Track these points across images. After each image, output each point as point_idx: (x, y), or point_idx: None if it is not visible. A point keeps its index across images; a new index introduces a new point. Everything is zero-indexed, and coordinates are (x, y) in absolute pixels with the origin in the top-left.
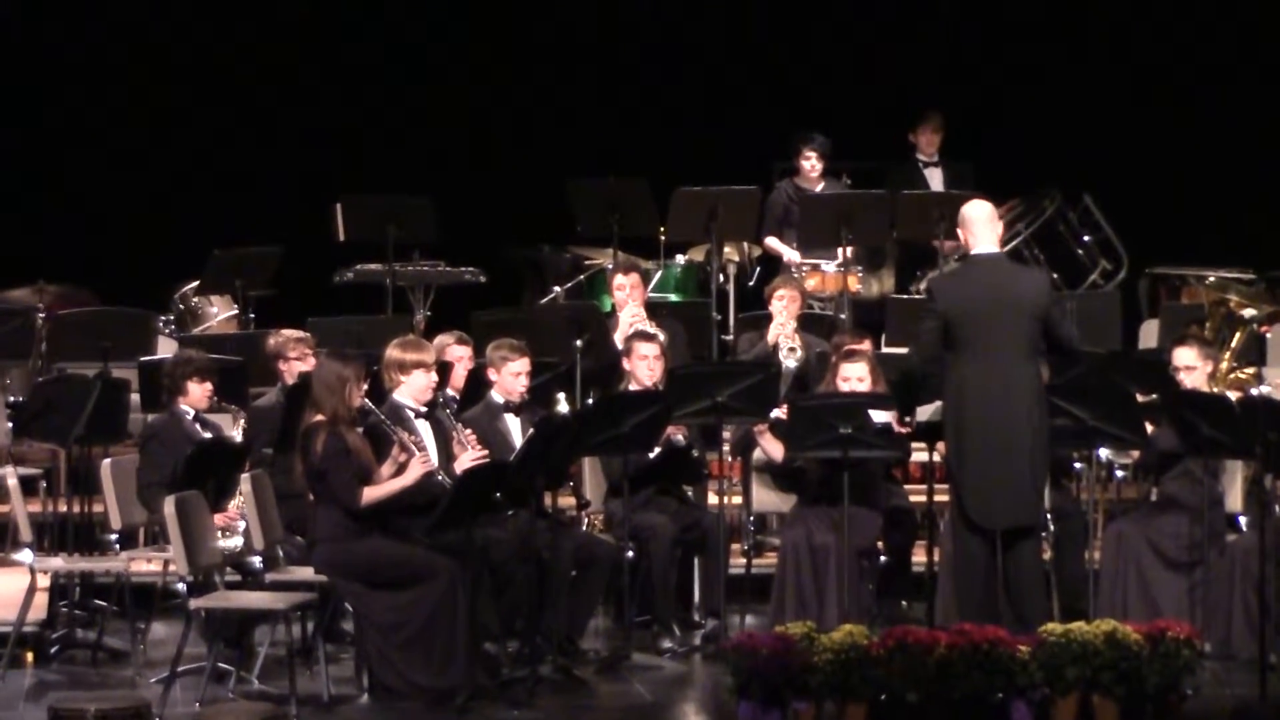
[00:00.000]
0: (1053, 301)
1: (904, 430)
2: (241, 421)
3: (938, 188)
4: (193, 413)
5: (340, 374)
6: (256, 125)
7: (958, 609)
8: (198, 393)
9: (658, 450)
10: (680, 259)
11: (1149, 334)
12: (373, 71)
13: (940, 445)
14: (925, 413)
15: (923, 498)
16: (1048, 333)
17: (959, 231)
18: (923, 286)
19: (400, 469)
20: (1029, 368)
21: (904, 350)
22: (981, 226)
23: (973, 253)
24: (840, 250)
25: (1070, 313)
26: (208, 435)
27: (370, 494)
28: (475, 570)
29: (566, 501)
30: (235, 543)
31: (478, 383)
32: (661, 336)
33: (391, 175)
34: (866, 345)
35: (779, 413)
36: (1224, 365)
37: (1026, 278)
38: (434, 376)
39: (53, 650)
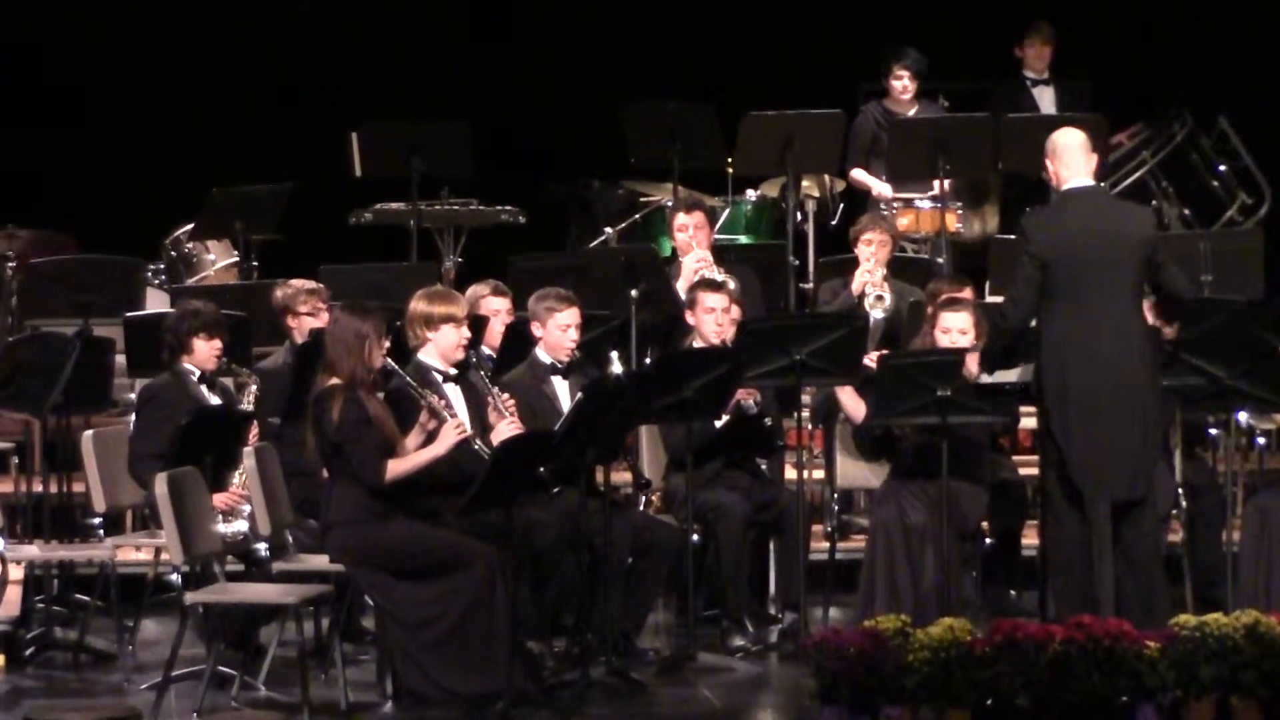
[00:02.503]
0: (1160, 240)
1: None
2: (253, 388)
3: (1049, 110)
4: (198, 374)
5: (358, 330)
6: (260, 43)
7: (1059, 599)
8: (205, 351)
9: (725, 418)
10: (751, 195)
11: None
12: None
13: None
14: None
15: (1034, 470)
16: (1154, 277)
17: (1047, 163)
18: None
19: (429, 439)
20: (1138, 316)
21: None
22: (1075, 155)
23: (1066, 186)
24: (937, 183)
25: (1203, 254)
26: (215, 400)
27: (395, 469)
28: (516, 558)
29: (621, 478)
30: (238, 527)
31: (519, 340)
32: (731, 285)
33: (416, 100)
34: (968, 293)
35: (870, 360)
36: None
37: (1130, 213)
38: (466, 332)
39: (28, 652)
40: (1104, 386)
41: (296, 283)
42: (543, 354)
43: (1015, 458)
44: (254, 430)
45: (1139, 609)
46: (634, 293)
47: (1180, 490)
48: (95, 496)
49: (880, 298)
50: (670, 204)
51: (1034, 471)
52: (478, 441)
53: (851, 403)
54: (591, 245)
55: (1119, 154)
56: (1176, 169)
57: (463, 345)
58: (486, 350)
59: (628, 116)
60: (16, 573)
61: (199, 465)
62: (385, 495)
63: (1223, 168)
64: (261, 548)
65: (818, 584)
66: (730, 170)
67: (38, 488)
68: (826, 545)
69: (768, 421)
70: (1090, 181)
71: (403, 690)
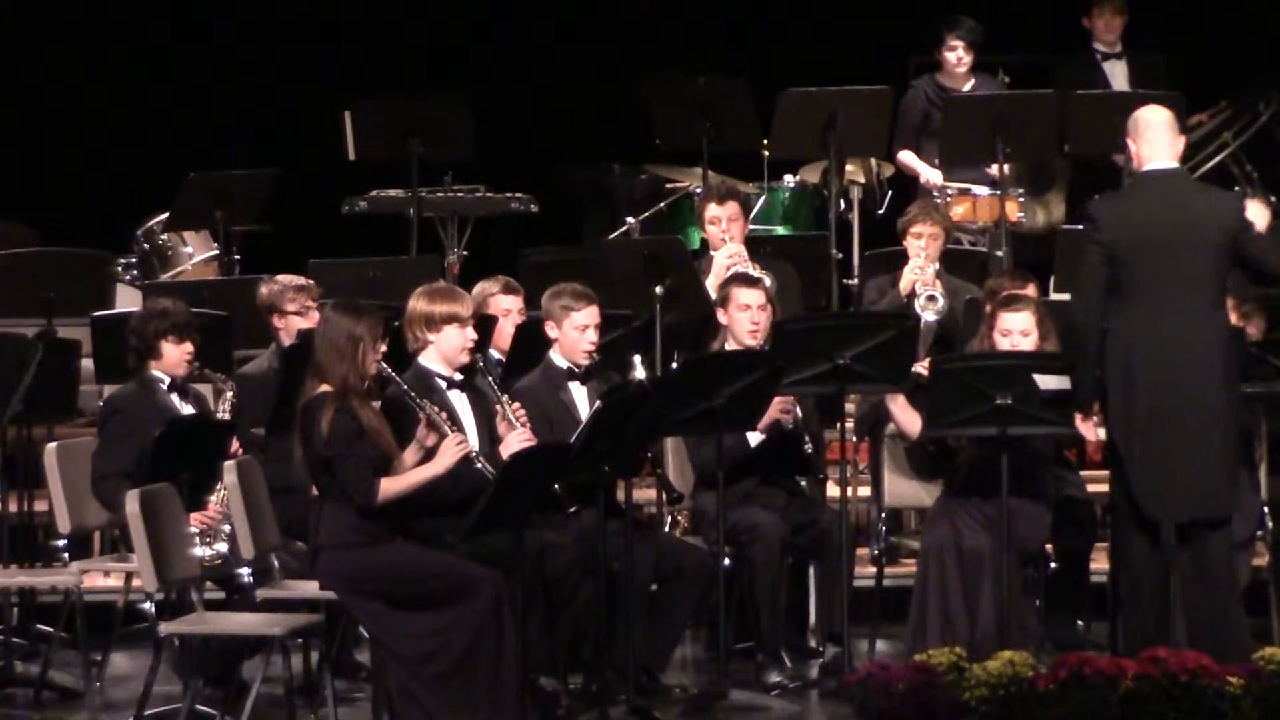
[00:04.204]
0: (1243, 225)
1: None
2: (229, 395)
3: (1121, 86)
4: (168, 381)
5: (351, 332)
6: (242, 12)
7: (1128, 630)
8: (174, 356)
9: (761, 437)
10: (790, 180)
11: None
12: None
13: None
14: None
15: (1104, 486)
16: (1243, 261)
17: (1128, 142)
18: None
19: (429, 454)
20: (1216, 316)
21: (1066, 298)
22: (1158, 134)
23: (1145, 168)
24: (995, 167)
25: None
26: (188, 410)
27: (388, 488)
28: (527, 585)
29: (645, 495)
30: (218, 550)
31: (531, 342)
32: (767, 281)
33: (417, 75)
34: (1031, 290)
35: (921, 369)
36: None
37: (1211, 199)
38: (472, 334)
39: None
40: (1175, 394)
41: (283, 279)
42: (558, 358)
43: (1083, 473)
44: (234, 442)
45: (1212, 642)
46: (659, 289)
47: (1266, 509)
48: (60, 516)
49: (932, 298)
50: (699, 191)
51: (1103, 488)
52: (481, 460)
53: (905, 417)
54: (611, 237)
55: (1198, 135)
56: (1261, 152)
57: (468, 348)
58: (495, 354)
59: (652, 93)
60: None
61: (174, 482)
62: (381, 515)
63: None
64: (244, 573)
65: (863, 613)
66: (766, 153)
67: None
68: (873, 570)
69: (808, 448)
70: (1172, 164)
71: None
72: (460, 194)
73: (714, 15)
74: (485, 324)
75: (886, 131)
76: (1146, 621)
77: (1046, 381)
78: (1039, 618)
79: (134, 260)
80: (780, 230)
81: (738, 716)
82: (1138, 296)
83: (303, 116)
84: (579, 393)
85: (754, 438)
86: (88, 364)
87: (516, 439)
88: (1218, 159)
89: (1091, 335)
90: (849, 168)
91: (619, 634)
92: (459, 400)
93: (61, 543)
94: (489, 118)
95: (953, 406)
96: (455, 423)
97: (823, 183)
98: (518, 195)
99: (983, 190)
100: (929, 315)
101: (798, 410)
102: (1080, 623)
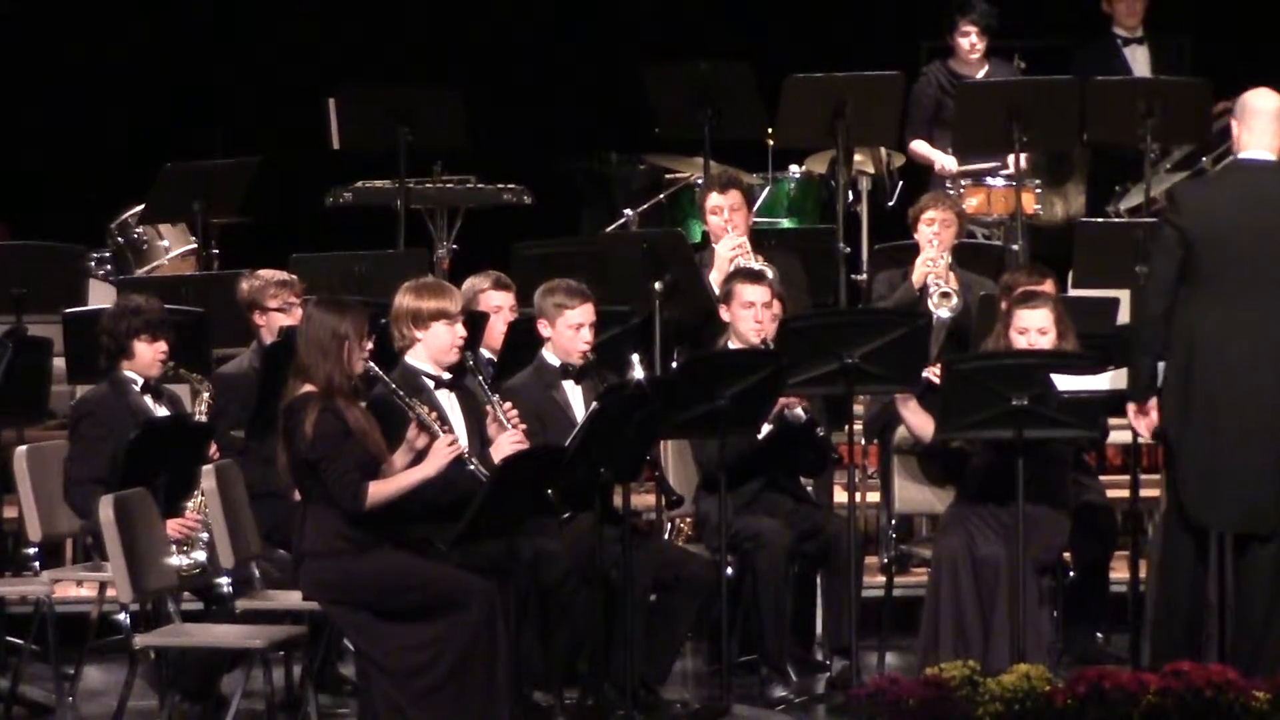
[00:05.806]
0: None
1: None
2: (207, 395)
3: (1142, 72)
4: (141, 381)
5: (335, 329)
6: None
7: (1159, 639)
8: (148, 355)
9: (767, 428)
10: (795, 171)
11: None
12: None
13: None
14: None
15: (1125, 492)
16: None
17: (1232, 123)
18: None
19: (418, 457)
20: None
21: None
22: (1262, 122)
23: (1240, 156)
24: (1011, 157)
25: None
26: (162, 411)
27: (377, 492)
28: (520, 595)
29: (644, 501)
30: (196, 558)
31: (523, 340)
32: (771, 275)
33: (405, 61)
34: (1049, 286)
35: (931, 374)
36: None
37: None
38: (461, 331)
39: None
40: (1236, 397)
41: (264, 273)
42: (551, 356)
43: (1103, 478)
44: (213, 446)
45: (1245, 653)
46: (658, 285)
47: None
48: (30, 523)
49: (946, 295)
50: (701, 181)
51: (1124, 493)
52: (474, 461)
53: (916, 420)
54: (609, 230)
55: (1223, 124)
56: None
57: (458, 346)
58: (486, 352)
59: (651, 78)
60: None
61: (150, 487)
62: (367, 522)
63: None
64: (223, 582)
65: (872, 625)
66: (771, 142)
67: None
68: (882, 580)
69: (820, 431)
70: (1270, 157)
71: None
72: (450, 185)
73: None
74: (475, 321)
75: (897, 120)
76: (1180, 634)
77: (1065, 382)
78: (1056, 630)
79: (108, 254)
80: (785, 223)
81: None
82: (1208, 289)
83: (285, 104)
84: (574, 392)
85: (763, 428)
86: (59, 363)
87: (508, 441)
88: None
89: (1158, 322)
90: (857, 157)
91: (617, 646)
92: (448, 401)
93: (32, 551)
94: (480, 105)
95: (967, 408)
96: (445, 424)
97: (830, 173)
98: (510, 186)
99: (998, 181)
100: (943, 313)
101: (805, 402)
102: (1100, 635)
